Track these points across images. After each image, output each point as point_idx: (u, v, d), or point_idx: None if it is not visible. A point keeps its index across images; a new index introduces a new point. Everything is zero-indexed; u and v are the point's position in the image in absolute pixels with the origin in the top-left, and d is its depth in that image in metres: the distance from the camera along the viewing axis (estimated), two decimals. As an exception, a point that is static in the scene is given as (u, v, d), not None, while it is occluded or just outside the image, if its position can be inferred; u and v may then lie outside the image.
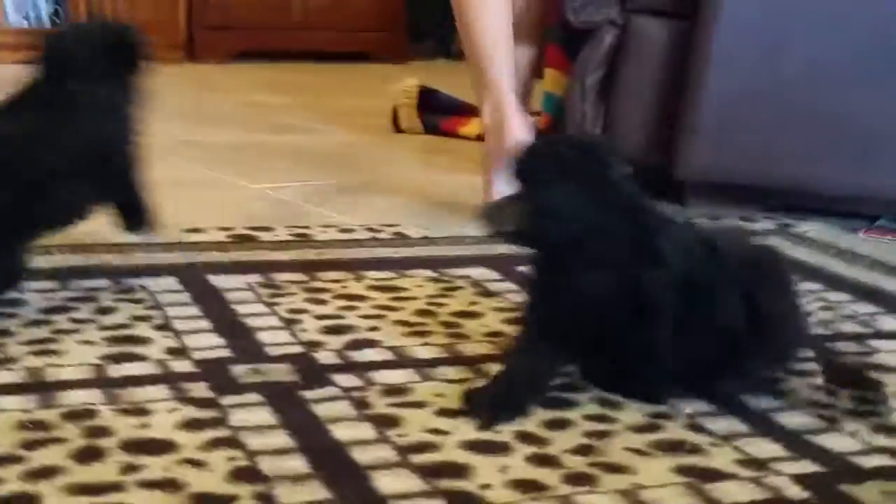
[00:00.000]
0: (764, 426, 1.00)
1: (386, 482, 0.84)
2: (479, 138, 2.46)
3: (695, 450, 0.93)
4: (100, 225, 1.53)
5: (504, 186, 1.45)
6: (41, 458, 0.84)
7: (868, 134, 1.78)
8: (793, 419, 1.02)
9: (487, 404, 0.98)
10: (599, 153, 1.02)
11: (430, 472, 0.86)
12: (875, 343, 1.26)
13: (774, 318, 1.04)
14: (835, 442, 0.97)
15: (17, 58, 3.40)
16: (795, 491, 0.87)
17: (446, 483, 0.84)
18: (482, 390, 1.01)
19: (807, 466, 0.92)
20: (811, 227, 1.82)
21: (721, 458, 0.92)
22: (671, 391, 1.04)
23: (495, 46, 1.80)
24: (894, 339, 1.28)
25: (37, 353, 1.06)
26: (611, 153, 1.03)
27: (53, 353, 1.06)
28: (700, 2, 1.76)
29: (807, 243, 1.72)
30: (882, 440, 0.98)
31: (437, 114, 2.57)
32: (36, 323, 1.14)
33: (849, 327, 1.31)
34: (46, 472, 0.82)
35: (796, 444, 0.96)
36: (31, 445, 0.86)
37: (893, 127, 1.77)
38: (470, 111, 2.62)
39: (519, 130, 1.70)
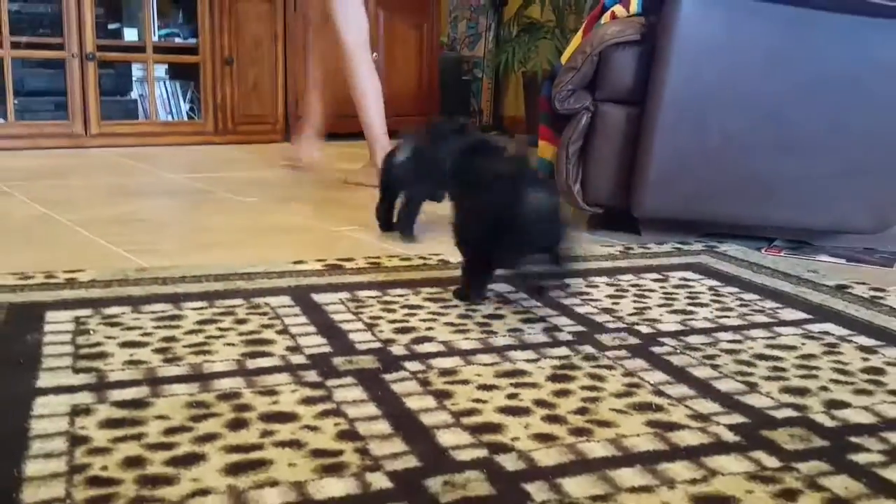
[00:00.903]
0: (706, 390, 0.99)
1: (445, 438, 0.84)
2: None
3: (658, 409, 0.94)
4: (231, 260, 1.55)
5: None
6: (204, 427, 0.85)
7: (767, 184, 1.78)
8: (726, 385, 1.02)
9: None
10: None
11: (476, 429, 0.87)
12: (778, 329, 1.25)
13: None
14: (756, 400, 0.97)
15: (163, 141, 3.46)
16: (730, 436, 0.87)
17: (487, 437, 0.85)
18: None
19: (737, 418, 0.92)
20: (729, 248, 1.82)
21: (677, 414, 0.92)
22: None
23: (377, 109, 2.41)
24: (793, 326, 1.27)
25: (195, 353, 1.07)
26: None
27: (207, 352, 1.07)
28: (648, 94, 1.77)
29: (727, 259, 1.71)
30: (788, 398, 0.98)
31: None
32: (193, 332, 1.15)
33: (759, 318, 1.31)
34: (209, 438, 0.83)
35: (729, 402, 0.96)
36: (196, 419, 0.87)
37: (782, 178, 1.77)
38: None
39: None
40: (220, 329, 1.16)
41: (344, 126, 3.65)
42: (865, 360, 1.12)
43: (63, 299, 1.27)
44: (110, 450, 0.80)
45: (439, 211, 2.19)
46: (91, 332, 1.14)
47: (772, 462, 0.81)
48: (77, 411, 0.88)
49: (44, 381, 0.96)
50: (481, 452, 0.81)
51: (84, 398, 0.92)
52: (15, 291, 1.31)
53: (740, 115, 1.75)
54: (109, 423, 0.86)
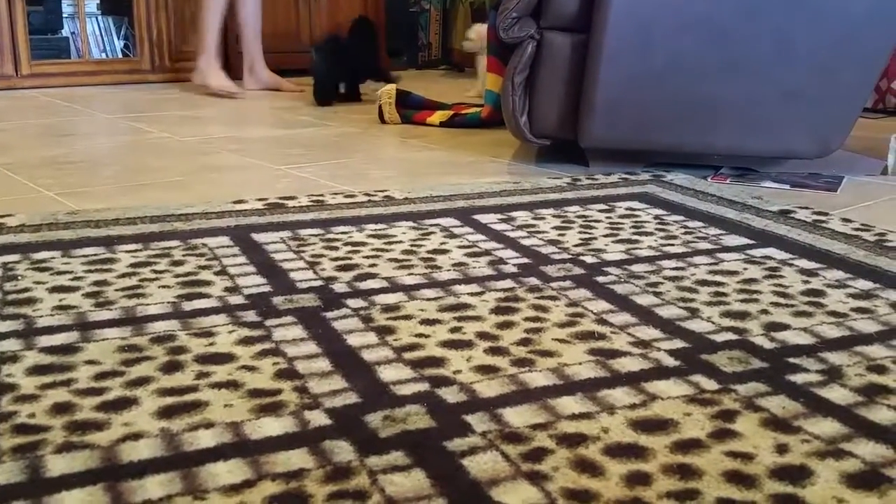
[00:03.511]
0: (648, 317, 1.00)
1: (387, 373, 0.83)
2: (442, 125, 2.44)
3: (601, 337, 0.94)
4: (168, 200, 1.50)
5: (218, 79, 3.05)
6: (136, 371, 0.83)
7: (712, 109, 1.77)
8: (668, 311, 1.02)
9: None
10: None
11: (418, 364, 0.86)
12: (721, 255, 1.26)
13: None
14: (696, 325, 0.98)
15: (97, 80, 3.31)
16: (670, 361, 0.88)
17: (429, 371, 0.84)
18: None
19: (677, 343, 0.92)
20: (675, 176, 1.82)
21: (619, 342, 0.92)
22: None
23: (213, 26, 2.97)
24: (736, 252, 1.28)
25: (129, 297, 1.04)
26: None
27: (141, 295, 1.04)
28: (593, 20, 1.73)
29: (673, 188, 1.72)
30: (728, 322, 0.99)
31: (411, 109, 2.53)
32: (127, 275, 1.12)
33: (703, 245, 1.31)
34: (141, 381, 0.81)
35: (670, 328, 0.97)
36: (128, 363, 0.85)
37: (729, 104, 1.76)
38: (434, 106, 2.58)
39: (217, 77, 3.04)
40: (155, 271, 1.13)
41: (291, 61, 3.54)
42: (806, 282, 1.14)
43: (-11, 246, 1.22)
44: (38, 396, 0.77)
45: (382, 152, 2.15)
46: (19, 277, 1.09)
47: (710, 385, 0.82)
48: (3, 359, 0.85)
49: (-33, 330, 0.92)
50: (423, 386, 0.80)
51: (10, 345, 0.88)
52: (-64, 239, 1.24)
53: (685, 38, 1.72)
54: (37, 370, 0.83)
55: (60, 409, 0.75)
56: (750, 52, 1.73)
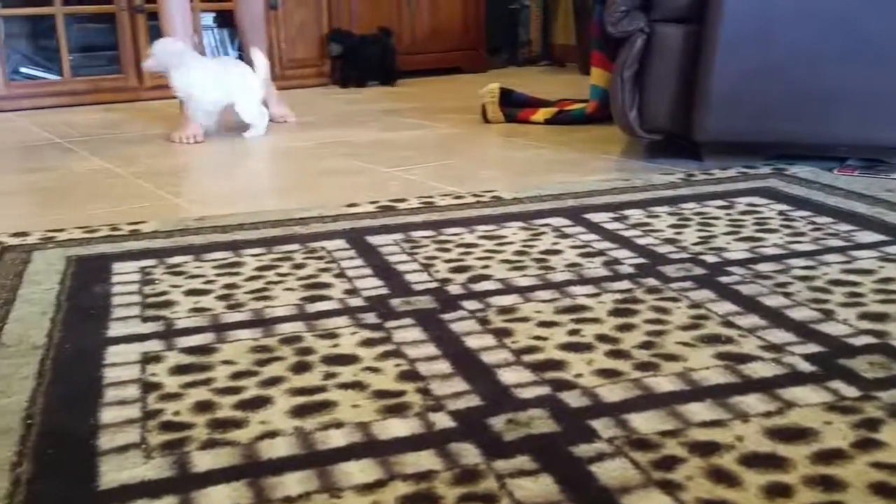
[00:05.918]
0: (779, 320, 0.96)
1: (507, 376, 0.84)
2: (547, 122, 2.42)
3: (728, 341, 0.91)
4: (286, 205, 1.56)
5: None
6: (269, 371, 0.86)
7: (836, 98, 1.68)
8: (800, 313, 0.98)
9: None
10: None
11: (538, 367, 0.86)
12: (855, 253, 1.20)
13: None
14: (832, 328, 0.93)
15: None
16: (806, 366, 0.84)
17: (550, 374, 0.84)
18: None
19: (813, 348, 0.88)
20: (799, 170, 1.74)
21: (749, 346, 0.89)
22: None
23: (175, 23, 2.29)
24: (870, 249, 1.21)
25: (257, 299, 1.08)
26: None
27: (268, 297, 1.08)
28: (707, 9, 1.68)
29: (797, 181, 1.64)
30: (867, 325, 0.94)
31: (514, 107, 2.52)
32: (253, 278, 1.16)
33: (834, 242, 1.25)
34: (274, 381, 0.84)
35: (804, 331, 0.93)
36: (261, 363, 0.88)
37: (854, 92, 1.67)
38: (538, 103, 2.56)
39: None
40: (279, 274, 1.17)
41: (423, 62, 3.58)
42: (949, 281, 1.07)
43: (128, 250, 1.30)
44: (181, 395, 0.82)
45: (488, 152, 2.15)
46: (156, 281, 1.16)
47: (851, 392, 0.78)
48: (147, 359, 0.90)
49: (114, 330, 0.99)
50: (544, 390, 0.80)
51: (153, 346, 0.94)
52: (82, 245, 1.34)
53: (806, 24, 1.64)
54: (179, 370, 0.87)
55: (202, 407, 0.79)
56: (873, 38, 1.63)
